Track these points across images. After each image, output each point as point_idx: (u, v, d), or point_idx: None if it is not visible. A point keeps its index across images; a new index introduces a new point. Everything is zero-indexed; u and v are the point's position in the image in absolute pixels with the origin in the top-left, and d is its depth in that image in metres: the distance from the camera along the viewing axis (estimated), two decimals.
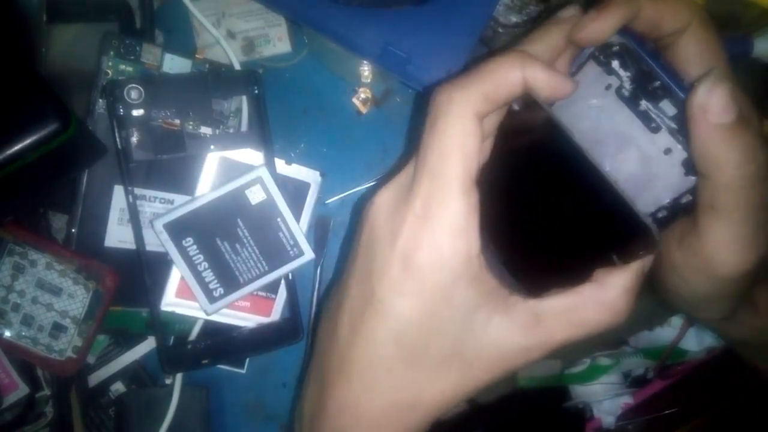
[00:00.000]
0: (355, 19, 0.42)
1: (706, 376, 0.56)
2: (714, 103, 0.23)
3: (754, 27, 0.46)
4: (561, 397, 0.58)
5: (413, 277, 0.24)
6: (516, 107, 0.26)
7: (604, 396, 0.56)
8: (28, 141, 0.36)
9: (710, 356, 0.55)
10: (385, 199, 0.26)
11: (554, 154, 0.29)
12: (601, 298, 0.25)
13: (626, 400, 0.57)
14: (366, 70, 0.48)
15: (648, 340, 0.54)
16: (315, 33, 0.47)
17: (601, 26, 0.25)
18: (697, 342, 0.54)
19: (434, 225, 0.24)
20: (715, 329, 0.51)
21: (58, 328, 0.44)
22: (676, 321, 0.53)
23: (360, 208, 0.27)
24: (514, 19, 0.45)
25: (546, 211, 0.30)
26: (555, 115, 0.24)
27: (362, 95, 0.49)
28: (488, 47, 0.48)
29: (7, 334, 0.43)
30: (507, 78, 0.24)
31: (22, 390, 0.46)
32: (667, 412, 0.57)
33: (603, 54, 0.27)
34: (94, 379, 0.49)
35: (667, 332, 0.53)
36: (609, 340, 0.54)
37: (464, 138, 0.24)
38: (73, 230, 0.45)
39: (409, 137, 0.51)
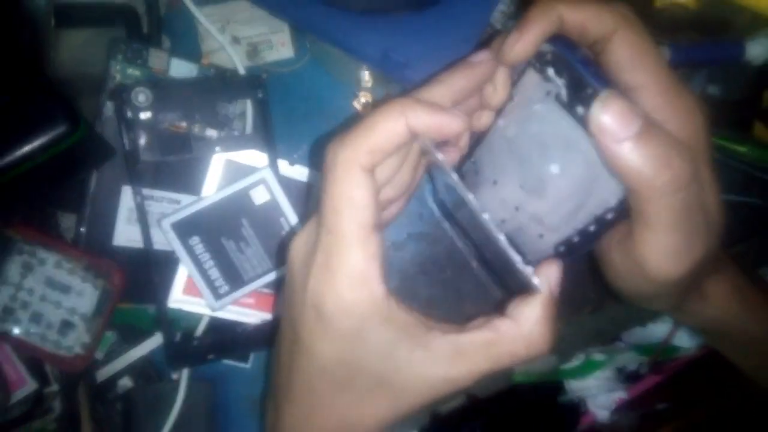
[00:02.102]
0: (356, 26, 0.43)
1: (698, 372, 0.56)
2: (609, 121, 0.23)
3: (746, 31, 0.47)
4: (556, 392, 0.58)
5: (324, 324, 0.25)
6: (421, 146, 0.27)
7: (599, 391, 0.57)
8: (37, 143, 0.37)
9: (702, 352, 0.55)
10: (299, 245, 0.27)
11: (453, 194, 0.29)
12: (515, 333, 0.25)
13: (620, 395, 0.57)
14: (366, 75, 0.48)
15: (641, 337, 0.54)
16: (317, 39, 0.48)
17: (524, 45, 0.26)
18: (689, 338, 0.55)
19: (335, 277, 0.25)
20: (670, 317, 0.51)
21: (66, 325, 0.44)
22: (669, 317, 0.53)
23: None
24: (510, 24, 0.46)
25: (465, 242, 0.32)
26: (441, 160, 0.25)
27: (363, 99, 0.49)
28: None
29: (16, 331, 0.44)
30: (389, 129, 0.25)
31: (30, 386, 0.46)
32: (659, 407, 0.58)
33: (538, 62, 0.27)
34: (102, 374, 0.49)
35: (659, 328, 0.54)
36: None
37: (353, 192, 0.24)
38: (82, 229, 0.45)
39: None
